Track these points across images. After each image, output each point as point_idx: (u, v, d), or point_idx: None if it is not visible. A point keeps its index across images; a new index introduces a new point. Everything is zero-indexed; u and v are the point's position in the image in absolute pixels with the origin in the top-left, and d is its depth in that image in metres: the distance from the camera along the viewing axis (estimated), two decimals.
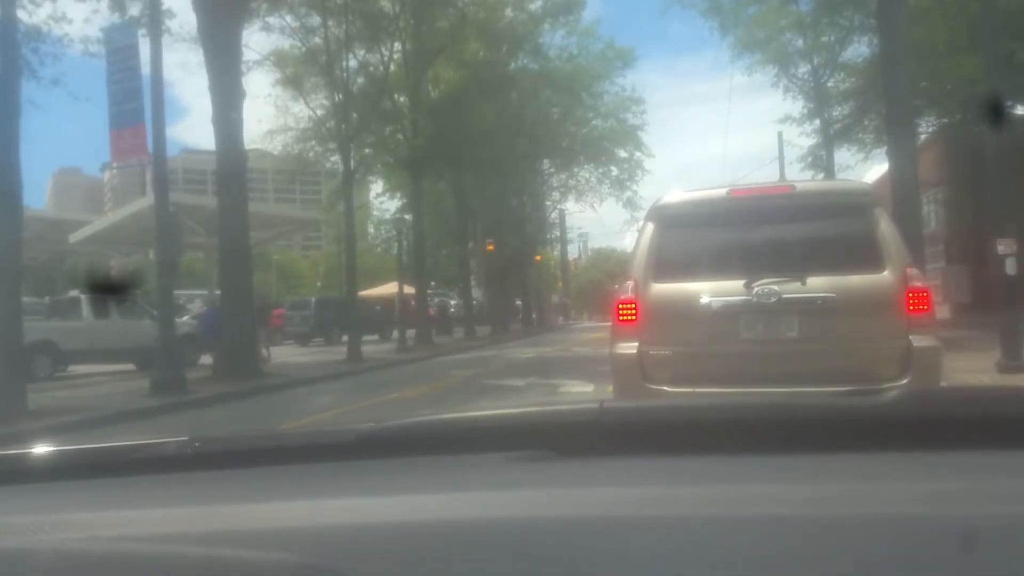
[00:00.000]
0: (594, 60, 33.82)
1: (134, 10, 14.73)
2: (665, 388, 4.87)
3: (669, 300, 5.02)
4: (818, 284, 4.78)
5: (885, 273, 4.78)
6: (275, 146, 26.22)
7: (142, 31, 13.66)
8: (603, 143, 37.37)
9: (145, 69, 13.35)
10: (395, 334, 24.14)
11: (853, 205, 5.11)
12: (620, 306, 5.13)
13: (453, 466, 1.02)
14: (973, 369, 9.77)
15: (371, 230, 48.37)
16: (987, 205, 10.57)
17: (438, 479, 0.97)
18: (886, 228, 4.88)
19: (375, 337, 27.57)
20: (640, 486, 0.87)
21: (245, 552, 0.78)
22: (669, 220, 5.21)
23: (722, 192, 5.30)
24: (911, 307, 4.71)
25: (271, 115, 37.21)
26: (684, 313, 4.96)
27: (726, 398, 1.50)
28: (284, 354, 21.64)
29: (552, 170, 40.75)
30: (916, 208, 13.76)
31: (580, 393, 10.41)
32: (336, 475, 1.02)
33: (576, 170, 40.28)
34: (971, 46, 14.38)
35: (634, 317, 5.06)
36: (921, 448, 0.95)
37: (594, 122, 37.21)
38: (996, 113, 9.57)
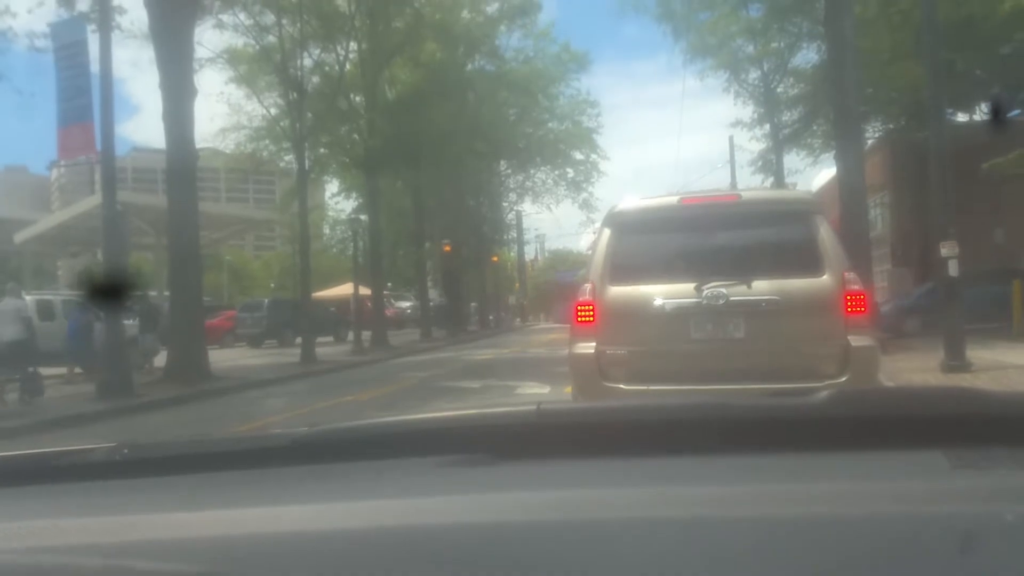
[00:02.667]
0: (550, 63, 33.99)
1: (83, 5, 14.40)
2: (621, 386, 5.05)
3: (625, 302, 5.21)
4: (763, 287, 5.00)
5: (824, 277, 5.01)
6: (228, 145, 25.87)
7: (91, 26, 13.35)
8: (559, 145, 37.60)
9: (94, 66, 13.07)
10: (350, 336, 23.89)
11: (795, 213, 5.37)
12: (578, 308, 5.31)
13: (386, 471, 1.01)
14: (918, 369, 10.02)
15: (326, 230, 47.79)
16: (931, 208, 10.84)
17: (369, 484, 0.96)
18: (825, 234, 5.12)
19: (330, 339, 27.30)
20: (572, 488, 0.87)
21: (146, 563, 0.76)
22: (624, 226, 5.42)
23: (673, 200, 5.64)
24: (849, 309, 4.95)
25: (224, 113, 36.61)
26: (639, 314, 5.15)
27: (659, 400, 1.52)
28: (236, 357, 21.30)
29: (509, 171, 40.86)
30: (863, 211, 14.08)
31: (536, 395, 10.41)
32: (265, 482, 1.01)
33: (533, 171, 40.53)
34: (914, 54, 14.75)
35: (592, 318, 5.24)
36: (852, 447, 0.95)
37: (550, 124, 37.43)
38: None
